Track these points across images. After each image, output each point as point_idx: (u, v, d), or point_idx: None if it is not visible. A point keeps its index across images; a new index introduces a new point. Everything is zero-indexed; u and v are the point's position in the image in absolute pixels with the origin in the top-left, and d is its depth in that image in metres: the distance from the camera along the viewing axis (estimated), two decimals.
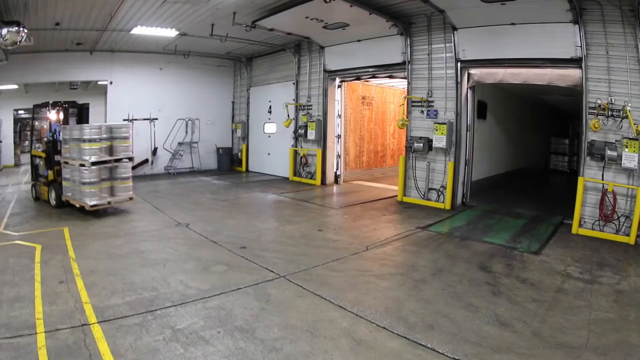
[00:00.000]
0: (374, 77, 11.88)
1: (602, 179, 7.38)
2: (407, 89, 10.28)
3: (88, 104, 9.89)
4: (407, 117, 10.13)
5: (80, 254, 5.92)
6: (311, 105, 13.17)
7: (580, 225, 7.61)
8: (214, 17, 10.23)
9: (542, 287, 5.04)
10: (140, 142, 14.38)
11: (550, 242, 7.02)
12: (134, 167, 10.91)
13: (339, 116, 12.95)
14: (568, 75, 7.99)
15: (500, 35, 8.49)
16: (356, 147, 13.84)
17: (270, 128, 15.12)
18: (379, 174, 14.33)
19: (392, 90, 14.75)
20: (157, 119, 15.09)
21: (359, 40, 11.28)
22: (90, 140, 7.93)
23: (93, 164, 7.90)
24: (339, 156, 13.04)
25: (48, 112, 9.10)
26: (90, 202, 7.94)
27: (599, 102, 7.16)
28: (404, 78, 10.45)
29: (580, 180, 7.56)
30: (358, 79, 12.45)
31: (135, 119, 14.32)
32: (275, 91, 14.71)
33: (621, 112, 7.12)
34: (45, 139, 9.63)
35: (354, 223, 8.30)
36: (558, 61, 7.90)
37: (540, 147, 16.44)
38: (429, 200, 9.95)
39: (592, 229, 7.53)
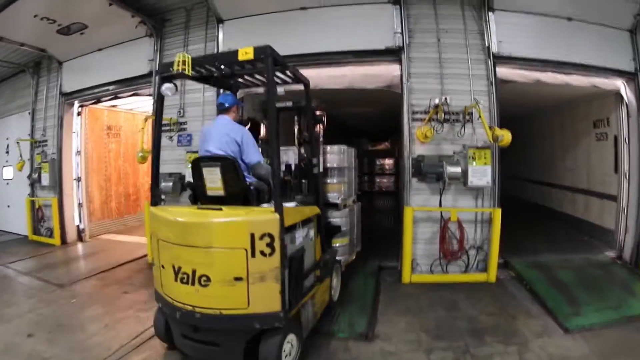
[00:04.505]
0: (116, 97, 8.41)
1: (440, 206, 5.48)
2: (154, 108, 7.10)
3: None
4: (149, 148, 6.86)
5: None
6: (46, 141, 9.11)
7: (413, 270, 5.55)
8: None
9: None
10: None
11: (379, 308, 4.64)
12: None
13: (78, 152, 9.17)
14: (379, 75, 5.99)
15: (284, 23, 6.04)
16: (102, 192, 10.34)
17: (9, 173, 10.71)
18: (134, 221, 11.14)
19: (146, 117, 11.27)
20: None
21: (100, 49, 8.01)
22: None
23: None
24: (80, 205, 9.37)
25: None
26: None
27: (435, 102, 5.27)
28: (151, 95, 7.25)
29: (407, 211, 5.45)
30: (99, 101, 8.91)
31: None
32: (12, 125, 10.42)
33: (461, 114, 5.39)
34: None
35: (81, 314, 4.72)
36: (366, 54, 5.87)
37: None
38: None
39: (431, 272, 5.59)
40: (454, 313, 4.45)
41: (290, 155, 4.79)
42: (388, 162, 15.65)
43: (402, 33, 5.64)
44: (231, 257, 2.86)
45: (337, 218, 5.09)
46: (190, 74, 3.35)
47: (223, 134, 3.52)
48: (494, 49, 5.66)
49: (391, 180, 15.52)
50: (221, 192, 3.33)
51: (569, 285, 5.19)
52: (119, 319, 4.49)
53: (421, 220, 5.54)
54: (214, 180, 3.33)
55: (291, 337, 3.14)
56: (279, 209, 2.94)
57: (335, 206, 5.12)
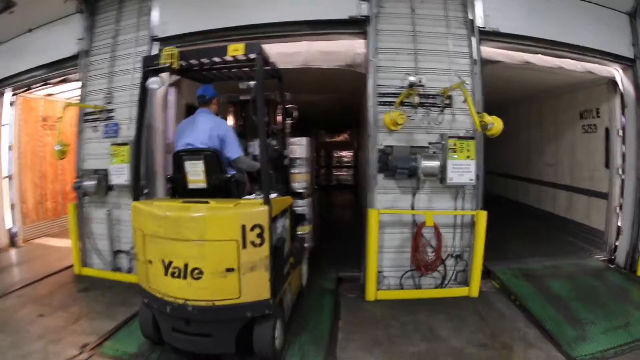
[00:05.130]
0: (46, 83, 7.17)
1: (413, 208, 4.57)
2: (81, 95, 5.96)
3: None
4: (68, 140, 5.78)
5: None
6: None
7: (379, 284, 4.63)
8: None
9: None
10: None
11: (339, 339, 3.68)
12: None
13: (10, 148, 7.65)
14: (338, 52, 5.04)
15: None
16: (37, 191, 8.97)
17: None
18: None
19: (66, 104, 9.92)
20: None
21: (30, 30, 6.80)
22: None
23: None
24: (12, 206, 7.97)
25: None
26: None
27: (411, 80, 4.25)
28: (80, 80, 6.07)
29: (371, 214, 4.46)
30: (29, 88, 7.52)
31: None
32: None
33: (439, 98, 4.49)
34: None
35: None
36: (325, 25, 4.84)
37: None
38: (119, 270, 5.60)
39: (401, 287, 4.70)
40: (435, 344, 3.55)
41: (256, 148, 4.71)
42: (347, 154, 14.97)
43: (369, 1, 4.67)
44: (223, 249, 2.92)
45: (301, 207, 5.19)
46: (177, 68, 3.28)
47: (205, 128, 3.49)
48: (479, 22, 4.78)
49: (350, 174, 14.82)
50: (203, 185, 3.37)
51: (564, 299, 4.43)
52: (22, 356, 3.40)
53: (389, 225, 4.60)
54: (196, 173, 3.36)
55: (279, 323, 3.25)
56: (267, 201, 3.02)
57: (299, 195, 5.24)
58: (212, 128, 3.48)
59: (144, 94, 3.48)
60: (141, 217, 3.23)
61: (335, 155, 15.10)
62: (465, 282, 4.75)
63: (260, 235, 2.92)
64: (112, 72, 5.64)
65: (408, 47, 4.66)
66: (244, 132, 5.06)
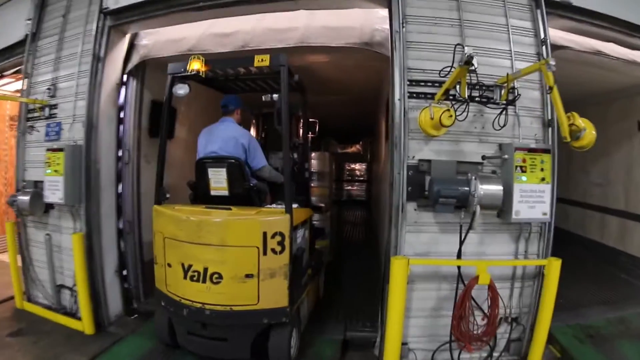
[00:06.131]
0: (2, 76, 5.79)
1: (460, 256, 3.03)
2: (25, 88, 4.66)
3: None
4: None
5: None
6: None
7: None
8: None
9: None
10: None
11: None
12: None
13: None
14: (350, 27, 3.68)
15: None
16: (2, 199, 7.66)
17: None
18: None
19: None
20: None
21: None
22: None
23: None
24: None
25: None
26: None
27: (469, 54, 2.48)
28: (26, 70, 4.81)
29: (396, 265, 2.89)
30: None
31: None
32: None
33: (497, 90, 3.08)
34: None
35: None
36: None
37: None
38: (64, 311, 4.22)
39: None
40: None
41: (276, 160, 4.74)
42: (359, 167, 13.44)
43: None
44: (244, 255, 2.93)
45: (319, 221, 5.26)
46: (204, 76, 3.27)
47: (230, 136, 3.51)
48: None
49: (362, 188, 13.26)
50: (225, 192, 3.41)
51: None
52: None
53: (421, 278, 3.11)
54: (219, 181, 3.40)
55: (295, 332, 3.22)
56: (289, 210, 3.00)
57: (319, 209, 5.20)
58: (236, 137, 3.49)
59: (170, 100, 3.49)
60: (162, 220, 3.25)
61: (347, 168, 13.61)
62: (520, 354, 3.35)
63: (280, 243, 2.93)
64: (59, 58, 4.39)
65: (450, 17, 3.21)
66: (264, 144, 5.06)
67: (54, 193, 4.04)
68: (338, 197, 13.20)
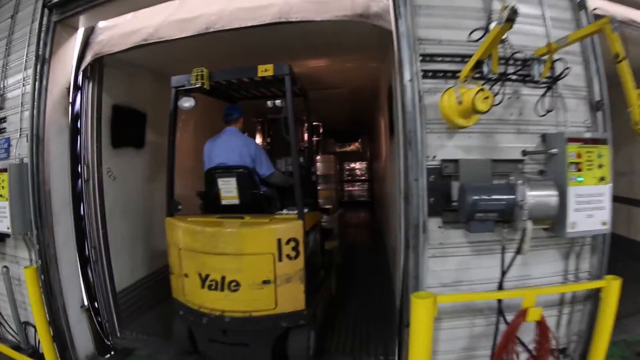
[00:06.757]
0: None
1: (501, 286, 2.34)
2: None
3: None
4: None
5: None
6: None
7: None
8: None
9: None
10: None
11: None
12: None
13: None
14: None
15: None
16: None
17: None
18: None
19: None
20: None
21: None
22: None
23: None
24: None
25: None
26: None
27: (506, 14, 1.81)
28: None
29: (417, 305, 2.07)
30: None
31: None
32: None
33: (535, 64, 2.38)
34: None
35: None
36: None
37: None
38: (30, 350, 3.74)
39: None
40: None
41: (282, 165, 4.78)
42: (359, 166, 12.65)
43: None
44: (260, 262, 3.01)
45: (327, 222, 5.35)
46: (208, 88, 3.27)
47: (237, 146, 3.55)
48: None
49: (364, 188, 12.49)
50: (236, 201, 3.44)
51: None
52: None
53: (448, 314, 2.41)
54: (229, 190, 3.45)
55: (313, 332, 3.29)
56: (301, 215, 3.08)
57: (326, 211, 5.40)
58: (242, 146, 3.53)
59: (175, 113, 3.46)
60: (176, 232, 3.30)
61: (347, 167, 12.81)
62: None
63: (295, 249, 2.99)
64: (7, 65, 3.88)
65: None
66: (270, 150, 5.18)
67: (1, 221, 3.45)
68: (338, 197, 12.60)
